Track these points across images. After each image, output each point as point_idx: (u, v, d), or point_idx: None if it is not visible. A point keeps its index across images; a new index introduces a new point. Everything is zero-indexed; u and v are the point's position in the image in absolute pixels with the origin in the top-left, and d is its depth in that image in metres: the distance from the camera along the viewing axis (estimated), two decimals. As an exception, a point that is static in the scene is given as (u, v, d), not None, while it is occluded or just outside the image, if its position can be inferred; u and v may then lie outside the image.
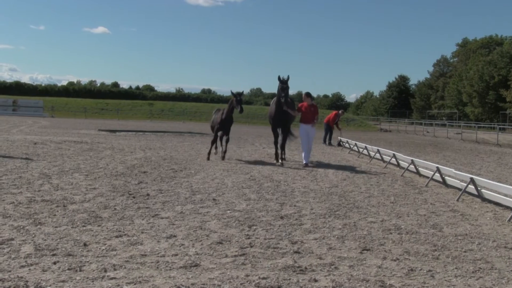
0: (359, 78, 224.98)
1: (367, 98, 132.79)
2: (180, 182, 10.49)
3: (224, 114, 14.94)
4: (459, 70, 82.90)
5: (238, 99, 14.39)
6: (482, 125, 54.16)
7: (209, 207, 8.03)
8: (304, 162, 14.68)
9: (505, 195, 8.95)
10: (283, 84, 14.48)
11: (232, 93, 14.59)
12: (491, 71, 71.01)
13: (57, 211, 7.27)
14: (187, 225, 6.73)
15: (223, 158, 15.18)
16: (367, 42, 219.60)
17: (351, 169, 14.50)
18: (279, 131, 15.37)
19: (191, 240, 5.98)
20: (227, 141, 15.21)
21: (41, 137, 22.26)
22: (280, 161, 15.00)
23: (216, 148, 16.10)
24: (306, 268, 5.08)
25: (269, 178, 11.64)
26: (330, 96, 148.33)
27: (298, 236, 6.39)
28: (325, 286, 4.60)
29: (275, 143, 15.47)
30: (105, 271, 4.76)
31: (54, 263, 4.94)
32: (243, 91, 14.93)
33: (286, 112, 14.75)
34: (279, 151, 15.30)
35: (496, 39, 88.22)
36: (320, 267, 5.13)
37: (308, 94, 15.32)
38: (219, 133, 15.51)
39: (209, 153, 15.52)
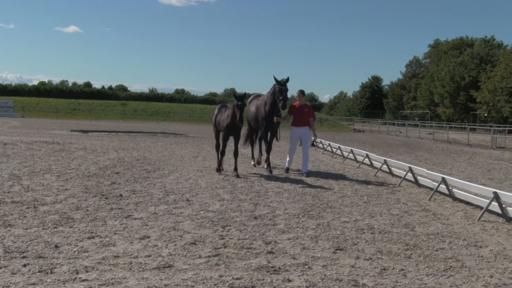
0: (333, 79, 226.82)
1: (340, 98, 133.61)
2: (153, 183, 10.41)
3: (229, 118, 11.93)
4: (431, 71, 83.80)
5: (238, 104, 11.53)
6: (453, 126, 54.83)
7: (183, 207, 7.99)
8: (303, 170, 12.95)
9: (475, 195, 9.12)
10: (282, 86, 12.54)
11: (234, 95, 11.80)
12: (462, 72, 72.05)
13: (28, 212, 7.16)
14: (161, 226, 6.69)
15: (236, 175, 12.14)
16: (340, 43, 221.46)
17: (325, 169, 14.58)
18: (259, 134, 14.13)
19: (165, 241, 5.94)
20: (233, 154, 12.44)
21: (11, 137, 21.88)
22: (268, 168, 13.24)
23: (219, 160, 12.73)
24: (280, 268, 5.09)
25: (243, 179, 11.63)
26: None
27: (272, 236, 6.40)
28: (299, 286, 4.62)
29: (253, 143, 14.59)
30: (77, 273, 4.70)
31: (24, 265, 4.86)
32: (245, 93, 12.06)
33: (275, 115, 12.94)
34: (265, 157, 13.76)
35: (466, 40, 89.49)
36: (294, 267, 5.14)
37: (302, 93, 13.37)
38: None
39: (219, 164, 12.67)
